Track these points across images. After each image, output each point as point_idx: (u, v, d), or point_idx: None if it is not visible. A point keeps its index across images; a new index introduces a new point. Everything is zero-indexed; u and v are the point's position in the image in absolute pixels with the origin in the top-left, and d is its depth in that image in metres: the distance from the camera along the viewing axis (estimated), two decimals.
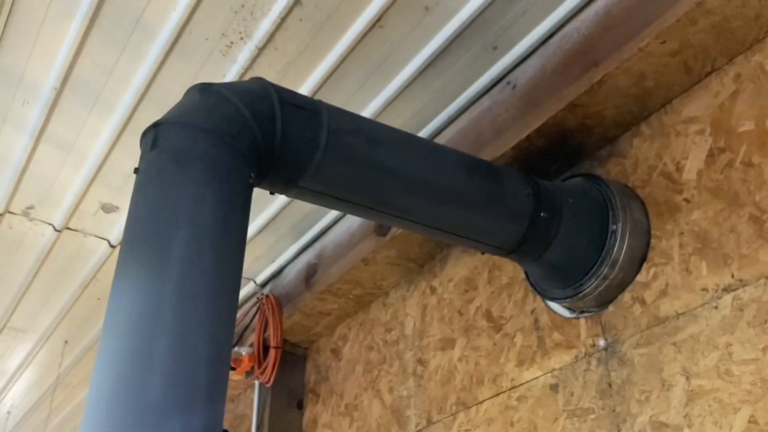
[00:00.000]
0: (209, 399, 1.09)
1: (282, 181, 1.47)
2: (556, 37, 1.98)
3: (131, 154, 2.43)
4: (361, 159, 1.51)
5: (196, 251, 1.14)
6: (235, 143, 1.29)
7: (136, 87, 2.17)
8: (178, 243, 1.14)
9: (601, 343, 1.80)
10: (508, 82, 2.10)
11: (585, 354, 1.83)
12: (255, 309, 3.06)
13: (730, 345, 1.50)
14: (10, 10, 1.94)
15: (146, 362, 1.07)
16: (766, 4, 1.56)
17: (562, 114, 1.87)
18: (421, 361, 2.42)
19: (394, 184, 1.56)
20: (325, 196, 1.54)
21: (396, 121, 2.27)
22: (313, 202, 1.60)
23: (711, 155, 1.68)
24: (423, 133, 2.34)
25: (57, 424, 4.76)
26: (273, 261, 3.09)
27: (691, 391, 1.54)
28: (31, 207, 2.71)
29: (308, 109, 1.46)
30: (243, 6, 1.91)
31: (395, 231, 2.40)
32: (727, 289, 1.55)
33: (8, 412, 4.65)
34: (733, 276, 1.55)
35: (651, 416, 1.61)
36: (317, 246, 2.92)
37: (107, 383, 1.08)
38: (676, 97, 1.81)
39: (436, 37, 1.99)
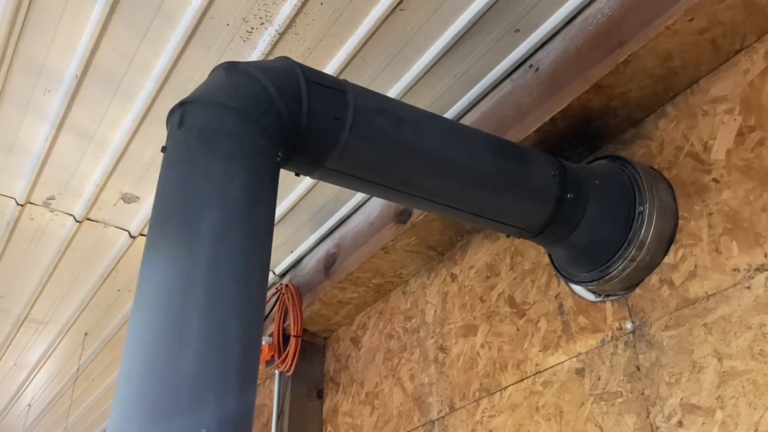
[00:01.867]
0: (242, 378, 1.08)
1: (308, 161, 1.46)
2: (579, 19, 1.95)
3: (151, 144, 2.44)
4: (387, 139, 1.50)
5: (225, 227, 1.13)
6: (262, 121, 1.28)
7: (157, 74, 2.17)
8: (208, 219, 1.13)
9: (629, 326, 1.78)
10: (531, 65, 2.08)
11: (612, 338, 1.81)
12: (275, 299, 3.06)
13: (764, 325, 1.48)
14: None
15: (178, 339, 1.06)
16: None
17: (586, 96, 1.85)
18: (442, 348, 2.41)
19: (420, 165, 1.55)
20: (350, 177, 1.53)
21: (418, 104, 2.24)
22: (338, 184, 1.59)
23: (741, 134, 1.66)
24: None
25: (78, 416, 4.79)
26: (292, 251, 3.09)
27: (724, 372, 1.52)
28: (52, 198, 2.72)
29: (334, 88, 1.45)
30: None
31: (415, 218, 2.39)
32: (759, 269, 1.52)
33: (29, 405, 4.69)
34: (766, 255, 1.52)
35: (682, 398, 1.59)
36: (336, 235, 2.91)
37: (138, 361, 1.08)
38: (703, 77, 1.79)
39: (458, 20, 1.98)
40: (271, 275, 3.22)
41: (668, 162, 1.81)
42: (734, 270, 1.57)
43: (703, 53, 1.72)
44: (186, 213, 1.15)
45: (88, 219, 2.83)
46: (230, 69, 1.36)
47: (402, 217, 2.48)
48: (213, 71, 1.40)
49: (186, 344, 1.05)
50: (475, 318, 2.31)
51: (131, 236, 2.93)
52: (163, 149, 1.27)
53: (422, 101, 2.24)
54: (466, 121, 2.28)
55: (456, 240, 2.49)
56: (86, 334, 3.75)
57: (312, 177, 1.54)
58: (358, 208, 2.81)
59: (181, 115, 1.27)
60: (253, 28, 2.02)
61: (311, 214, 2.87)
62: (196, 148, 1.22)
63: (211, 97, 1.28)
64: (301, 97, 1.37)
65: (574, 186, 1.71)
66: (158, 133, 2.40)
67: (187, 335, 1.05)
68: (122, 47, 2.10)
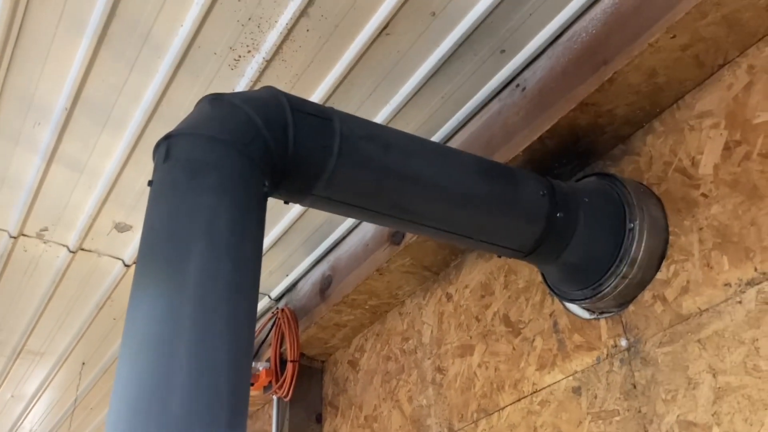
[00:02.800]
0: (232, 414, 1.07)
1: (296, 189, 1.46)
2: (564, 38, 1.97)
3: (143, 172, 2.44)
4: (374, 164, 1.50)
5: (213, 262, 1.13)
6: (248, 152, 1.29)
7: (147, 104, 2.18)
8: (195, 254, 1.13)
9: (623, 343, 1.77)
10: (518, 85, 2.09)
11: (607, 355, 1.81)
12: (271, 323, 3.05)
13: (757, 340, 1.47)
14: (19, 32, 1.96)
15: (166, 377, 1.06)
16: None
17: (573, 114, 1.86)
18: (439, 369, 2.40)
19: (408, 189, 1.55)
20: (339, 204, 1.53)
21: (407, 127, 2.27)
22: (328, 210, 1.59)
23: (727, 148, 1.66)
24: (434, 139, 2.33)
25: None
26: (287, 275, 3.09)
27: (719, 388, 1.52)
28: (45, 229, 2.72)
29: (320, 116, 1.46)
30: (250, 19, 1.92)
31: (409, 239, 2.39)
32: (750, 283, 1.52)
33: None
34: (756, 269, 1.52)
35: (678, 416, 1.58)
36: (331, 258, 2.91)
37: (127, 399, 1.07)
38: (688, 92, 1.80)
39: (444, 42, 1.99)
40: (266, 299, 3.22)
41: (657, 177, 1.82)
42: (726, 285, 1.57)
43: (687, 69, 1.74)
44: (173, 247, 1.15)
45: (82, 249, 2.83)
46: (215, 101, 1.36)
47: (396, 238, 2.48)
48: (198, 103, 1.41)
49: (174, 382, 1.04)
50: (471, 337, 2.30)
51: (125, 265, 2.92)
52: (150, 183, 1.28)
53: (411, 123, 2.25)
54: (456, 141, 2.29)
55: (450, 259, 2.49)
56: (83, 363, 3.73)
57: (301, 204, 1.54)
58: (352, 230, 2.81)
59: (166, 148, 1.28)
60: (240, 56, 2.03)
61: (305, 237, 2.87)
62: (182, 181, 1.22)
63: (196, 129, 1.29)
64: (287, 126, 1.38)
65: (563, 205, 1.71)
66: (150, 162, 2.36)
67: (176, 372, 1.04)
68: (111, 78, 2.11)
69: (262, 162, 1.31)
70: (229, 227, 1.18)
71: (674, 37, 1.65)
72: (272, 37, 1.97)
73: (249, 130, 1.31)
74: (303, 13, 1.89)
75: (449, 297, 2.47)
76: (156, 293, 1.11)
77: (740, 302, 1.53)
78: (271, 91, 1.44)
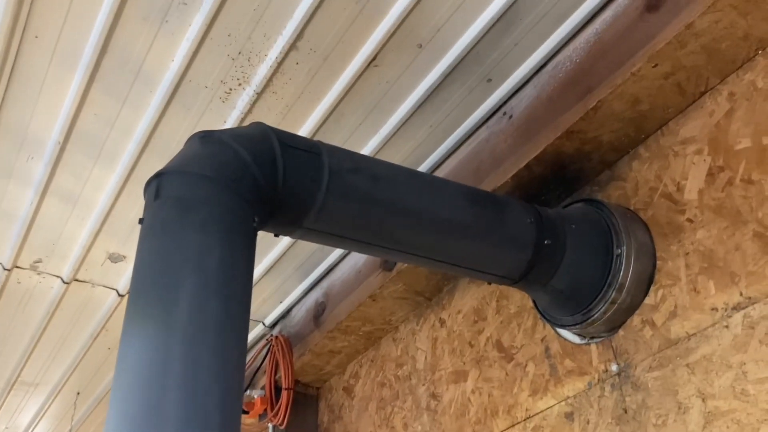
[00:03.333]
0: None
1: (286, 222, 1.48)
2: (549, 66, 2.01)
3: (136, 203, 2.46)
4: (363, 196, 1.52)
5: (202, 299, 1.14)
6: (237, 188, 1.31)
7: (139, 137, 2.20)
8: (185, 292, 1.14)
9: (614, 368, 1.78)
10: (505, 113, 2.13)
11: (598, 380, 1.82)
12: (265, 351, 3.05)
13: (744, 364, 1.49)
14: (13, 67, 1.98)
15: (157, 415, 1.07)
16: (753, 23, 1.58)
17: (559, 141, 1.89)
18: (434, 396, 2.40)
19: (397, 220, 1.57)
20: (329, 236, 1.55)
21: (396, 156, 2.29)
22: (318, 242, 1.61)
23: (711, 174, 1.69)
24: (423, 167, 2.36)
25: None
26: (281, 302, 3.09)
27: (708, 413, 1.53)
28: (39, 261, 2.73)
29: (308, 150, 1.48)
30: (240, 53, 1.95)
31: (401, 265, 2.40)
32: (736, 308, 1.54)
33: None
34: (741, 294, 1.54)
35: None
36: (324, 284, 2.92)
37: None
38: (671, 119, 1.83)
39: (431, 72, 2.03)
40: (260, 326, 3.22)
41: (643, 203, 1.85)
42: (713, 309, 1.59)
43: (670, 96, 1.77)
44: (163, 285, 1.16)
45: (76, 280, 2.84)
46: (205, 138, 1.38)
47: (388, 264, 2.50)
48: (188, 141, 1.43)
49: (165, 419, 1.05)
50: (464, 363, 2.31)
51: (119, 295, 2.93)
52: (141, 221, 1.29)
53: (401, 151, 2.28)
54: (446, 168, 2.32)
55: (443, 285, 2.51)
56: (78, 393, 3.72)
57: (291, 237, 1.56)
58: (344, 257, 2.82)
59: (157, 186, 1.30)
60: (231, 89, 2.06)
61: (298, 264, 2.89)
62: (172, 219, 1.24)
63: (186, 167, 1.31)
64: (276, 161, 1.40)
65: (550, 232, 1.73)
66: (142, 192, 2.43)
67: (166, 410, 1.05)
68: (103, 112, 2.13)
69: (251, 198, 1.33)
70: (218, 264, 1.20)
71: (656, 65, 1.69)
72: (262, 71, 2.00)
73: (238, 167, 1.33)
74: (292, 47, 1.92)
75: (442, 322, 2.48)
76: (146, 331, 1.12)
77: (727, 327, 1.55)
78: (260, 127, 1.47)
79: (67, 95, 2.08)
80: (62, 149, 2.24)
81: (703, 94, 1.76)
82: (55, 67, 1.99)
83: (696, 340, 1.61)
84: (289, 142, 1.46)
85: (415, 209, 1.59)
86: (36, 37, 1.89)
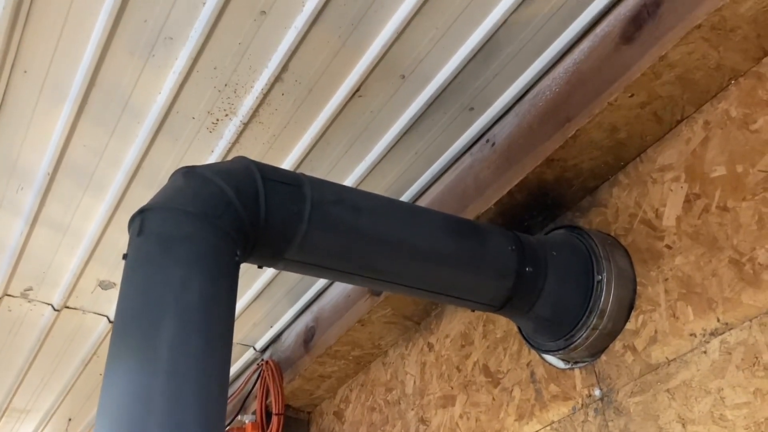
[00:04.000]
0: None
1: (269, 254, 1.51)
2: (530, 95, 2.04)
3: (125, 232, 2.44)
4: (345, 228, 1.55)
5: (184, 335, 1.16)
6: (220, 223, 1.33)
7: (127, 167, 2.22)
8: (167, 328, 1.16)
9: (597, 393, 1.80)
10: (487, 140, 2.16)
11: (582, 405, 1.84)
12: (256, 376, 3.06)
13: (722, 390, 1.51)
14: (2, 100, 2.01)
15: None
16: (725, 54, 1.62)
17: (540, 169, 1.92)
18: (423, 420, 2.42)
19: (379, 250, 1.60)
20: (312, 266, 1.57)
21: (381, 183, 2.32)
22: (301, 273, 1.64)
23: (688, 201, 1.72)
24: (409, 193, 2.39)
25: None
26: (271, 326, 3.11)
27: None
28: (30, 289, 2.74)
29: (291, 183, 1.51)
30: (226, 85, 1.98)
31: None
32: (714, 333, 1.57)
33: None
34: (718, 320, 1.57)
35: None
36: (314, 308, 2.94)
37: None
38: (649, 146, 1.86)
39: (414, 102, 2.06)
40: (251, 351, 3.23)
41: (624, 229, 1.88)
42: (691, 335, 1.62)
43: (647, 125, 1.81)
44: (146, 321, 1.18)
45: (67, 307, 2.85)
46: (188, 174, 1.41)
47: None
48: (172, 176, 1.46)
49: None
50: (452, 388, 2.32)
51: (110, 321, 2.94)
52: (125, 257, 1.32)
53: (386, 179, 2.31)
54: (431, 194, 2.35)
55: (431, 309, 2.53)
56: (70, 419, 3.71)
57: (274, 268, 1.58)
58: (334, 282, 2.84)
59: (140, 222, 1.32)
60: (218, 120, 2.09)
61: (288, 289, 2.90)
62: (155, 255, 1.26)
63: (169, 203, 1.34)
64: (258, 195, 1.43)
65: (532, 259, 1.76)
66: None
67: None
68: (92, 143, 2.16)
69: (234, 232, 1.36)
70: (199, 299, 1.22)
71: (632, 95, 1.72)
72: (249, 101, 2.03)
73: (220, 202, 1.36)
74: (278, 78, 1.96)
75: (431, 347, 2.50)
76: (128, 367, 1.14)
77: (705, 352, 1.57)
78: (243, 161, 1.50)
79: (56, 127, 2.10)
80: (52, 179, 2.26)
81: (679, 122, 1.80)
82: (45, 101, 2.02)
83: (676, 366, 1.63)
84: (271, 175, 1.49)
85: (397, 239, 1.61)
86: (25, 71, 1.92)
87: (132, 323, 1.20)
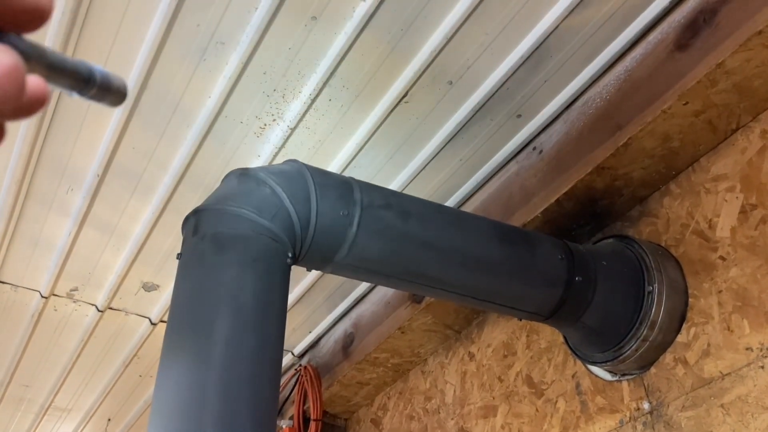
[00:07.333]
0: None
1: (319, 258, 1.51)
2: (579, 103, 2.02)
3: (171, 234, 2.51)
4: (394, 232, 1.55)
5: (238, 334, 1.17)
6: (272, 225, 1.34)
7: (175, 170, 2.25)
8: (221, 327, 1.17)
9: (646, 406, 1.76)
10: (534, 148, 2.14)
11: (630, 418, 1.80)
12: (294, 381, 3.06)
13: None
14: (56, 102, 2.06)
15: None
16: None
17: (590, 177, 1.90)
18: (463, 430, 2.39)
19: (427, 256, 1.59)
20: (360, 270, 1.57)
21: (425, 189, 2.32)
22: (348, 276, 1.63)
23: (743, 212, 1.68)
24: (452, 200, 2.38)
25: None
26: (310, 332, 3.11)
27: None
28: (75, 289, 2.79)
29: (341, 187, 1.51)
30: (275, 90, 2.00)
31: (430, 298, 2.41)
32: None
33: None
34: None
35: None
36: (353, 315, 2.94)
37: None
38: (703, 156, 1.83)
39: (461, 108, 2.05)
40: (290, 356, 3.24)
41: (675, 240, 1.84)
42: (747, 349, 1.57)
43: (701, 134, 1.77)
44: (200, 320, 1.19)
45: (110, 308, 2.89)
46: (242, 176, 1.42)
47: (417, 296, 2.50)
48: (226, 177, 1.47)
49: None
50: (494, 398, 2.30)
51: (152, 323, 2.97)
52: (179, 256, 1.33)
53: (430, 184, 2.30)
54: (475, 201, 2.33)
55: (472, 318, 2.51)
56: (109, 420, 3.76)
57: (323, 272, 1.58)
58: (374, 288, 2.84)
59: (195, 222, 1.33)
60: (265, 125, 2.11)
61: (328, 294, 2.91)
62: (209, 255, 1.27)
63: (223, 204, 1.35)
64: (310, 198, 1.43)
65: (581, 268, 1.73)
66: (177, 224, 2.44)
67: None
68: (141, 146, 2.19)
69: (286, 234, 1.36)
70: (253, 300, 1.22)
71: (686, 103, 1.69)
72: (296, 107, 2.04)
73: (273, 204, 1.36)
74: (325, 84, 1.97)
75: (471, 356, 2.48)
76: (183, 366, 1.15)
77: (762, 367, 1.53)
78: (295, 164, 1.50)
79: (107, 129, 2.14)
80: (101, 181, 2.30)
81: (734, 131, 1.76)
82: (96, 104, 2.05)
83: (731, 380, 1.58)
84: (322, 179, 1.49)
85: (446, 246, 1.60)
86: None
87: (186, 322, 1.21)
